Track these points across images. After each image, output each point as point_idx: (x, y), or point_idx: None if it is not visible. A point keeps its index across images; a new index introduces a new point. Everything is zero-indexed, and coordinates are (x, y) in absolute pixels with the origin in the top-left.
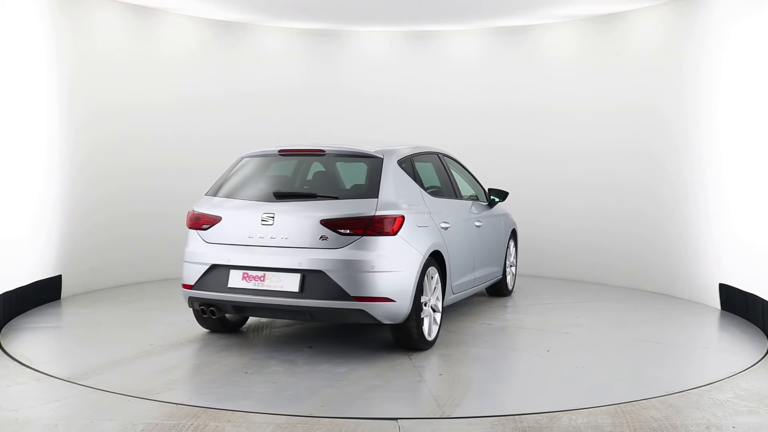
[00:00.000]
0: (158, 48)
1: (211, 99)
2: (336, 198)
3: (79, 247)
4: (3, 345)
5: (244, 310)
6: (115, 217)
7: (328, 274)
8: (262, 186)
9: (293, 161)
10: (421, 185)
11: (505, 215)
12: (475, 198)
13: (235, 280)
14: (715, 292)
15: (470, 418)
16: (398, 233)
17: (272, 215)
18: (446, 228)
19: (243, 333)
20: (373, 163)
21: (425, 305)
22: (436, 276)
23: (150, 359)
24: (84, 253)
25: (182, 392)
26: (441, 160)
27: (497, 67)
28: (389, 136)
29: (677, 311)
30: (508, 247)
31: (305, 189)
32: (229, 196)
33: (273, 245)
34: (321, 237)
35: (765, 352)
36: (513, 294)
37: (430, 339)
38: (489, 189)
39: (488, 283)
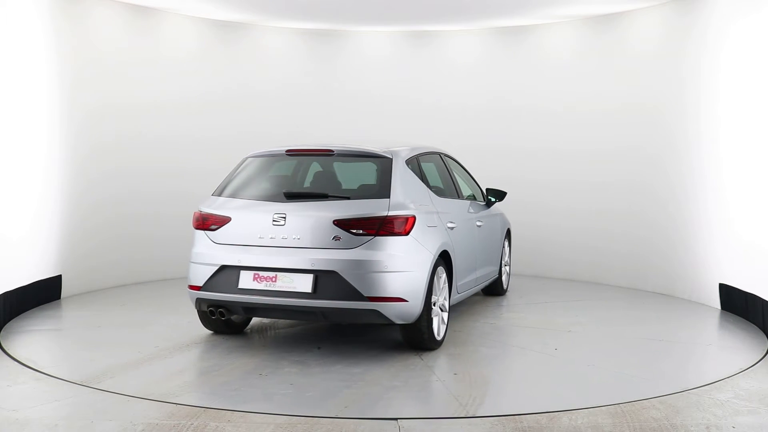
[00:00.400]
0: (158, 48)
1: (211, 99)
2: (348, 198)
3: (79, 247)
4: (3, 345)
5: (254, 311)
6: (115, 217)
7: (341, 274)
8: (272, 186)
9: (299, 161)
10: (428, 185)
11: (501, 215)
12: (473, 198)
13: (246, 280)
14: (715, 292)
15: (491, 417)
16: (410, 233)
17: (284, 215)
18: (452, 228)
19: (247, 334)
20: (383, 163)
21: (434, 305)
22: (444, 276)
23: (159, 362)
24: (84, 253)
25: (199, 395)
26: (443, 160)
27: (497, 67)
28: (389, 136)
29: (677, 311)
30: (503, 247)
31: (317, 189)
32: (238, 196)
33: (285, 245)
34: (334, 237)
35: (765, 352)
36: (507, 293)
37: (439, 338)
38: (487, 189)
39: (487, 283)
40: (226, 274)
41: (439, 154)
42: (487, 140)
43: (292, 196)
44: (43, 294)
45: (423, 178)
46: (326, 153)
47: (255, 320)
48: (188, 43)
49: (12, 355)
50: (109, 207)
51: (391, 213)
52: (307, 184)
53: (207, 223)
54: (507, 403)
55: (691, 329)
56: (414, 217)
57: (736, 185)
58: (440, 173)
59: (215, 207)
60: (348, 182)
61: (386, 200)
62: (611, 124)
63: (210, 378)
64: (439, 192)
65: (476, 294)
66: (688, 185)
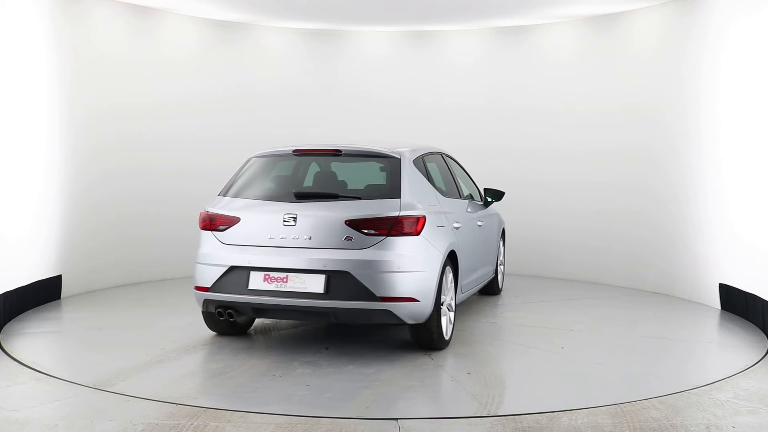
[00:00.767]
0: (158, 48)
1: (211, 99)
2: (359, 198)
3: (79, 247)
4: (3, 345)
5: (264, 312)
6: (114, 217)
7: (354, 274)
8: (280, 186)
9: (299, 161)
10: (433, 185)
11: (497, 214)
12: (470, 197)
13: (256, 281)
14: (715, 292)
15: (491, 417)
16: (421, 233)
17: (294, 216)
18: (458, 228)
19: (251, 336)
20: (392, 163)
21: (442, 304)
22: (450, 275)
23: (168, 364)
24: (84, 253)
25: (217, 397)
26: (444, 160)
27: (497, 67)
28: (390, 136)
29: (677, 311)
30: (499, 246)
31: (322, 189)
32: (246, 196)
33: (296, 246)
34: (346, 237)
35: (765, 352)
36: (502, 293)
37: (447, 338)
38: (485, 189)
39: (485, 282)
40: (236, 274)
41: (441, 154)
42: (487, 140)
43: (302, 196)
44: (43, 294)
45: (429, 178)
46: (334, 153)
47: (258, 321)
48: (188, 43)
49: (12, 355)
50: (109, 207)
51: (403, 213)
52: (307, 184)
53: (215, 223)
54: (527, 402)
55: (691, 329)
56: (425, 217)
57: (736, 185)
58: (442, 173)
59: (223, 207)
60: (351, 182)
61: (397, 200)
62: (611, 124)
63: (224, 380)
64: (443, 192)
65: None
66: (688, 185)
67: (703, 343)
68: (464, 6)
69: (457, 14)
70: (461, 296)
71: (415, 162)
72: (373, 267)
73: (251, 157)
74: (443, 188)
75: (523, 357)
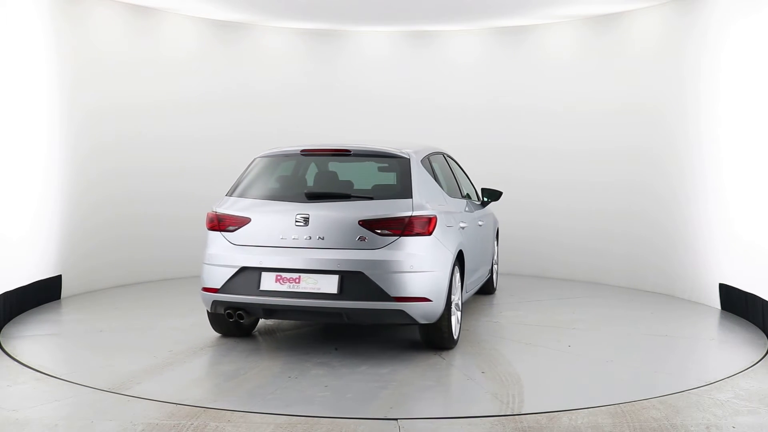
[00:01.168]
0: (158, 48)
1: (211, 99)
2: (371, 198)
3: (79, 247)
4: (3, 345)
5: (274, 313)
6: (114, 217)
7: (367, 275)
8: (290, 186)
9: (310, 161)
10: (440, 185)
11: (492, 214)
12: (468, 197)
13: (268, 282)
14: (715, 292)
15: (490, 417)
16: (433, 233)
17: (306, 216)
18: (464, 228)
19: (256, 337)
20: (401, 163)
21: (452, 304)
22: (458, 275)
23: (179, 366)
24: (84, 253)
25: (240, 400)
26: (446, 160)
27: (497, 67)
28: (390, 135)
29: (677, 311)
30: (494, 246)
31: (331, 189)
32: (255, 196)
33: (308, 246)
34: (359, 238)
35: (765, 352)
36: (497, 292)
37: (455, 338)
38: (482, 189)
39: (483, 281)
40: (247, 275)
41: (442, 153)
42: (486, 140)
43: (313, 197)
44: (43, 294)
45: (435, 177)
46: (343, 153)
47: (261, 322)
48: (188, 43)
49: (12, 355)
50: (109, 207)
51: (416, 213)
52: (309, 184)
53: (223, 224)
54: (548, 400)
55: (690, 329)
56: (436, 218)
57: (736, 185)
58: (444, 173)
59: (232, 208)
60: (356, 183)
61: (409, 200)
62: (611, 124)
63: (241, 382)
64: (447, 192)
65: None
66: (688, 185)
67: (702, 344)
68: (464, 6)
69: (457, 14)
70: (465, 296)
71: (423, 162)
72: (386, 267)
73: (257, 157)
74: (447, 188)
75: (532, 356)
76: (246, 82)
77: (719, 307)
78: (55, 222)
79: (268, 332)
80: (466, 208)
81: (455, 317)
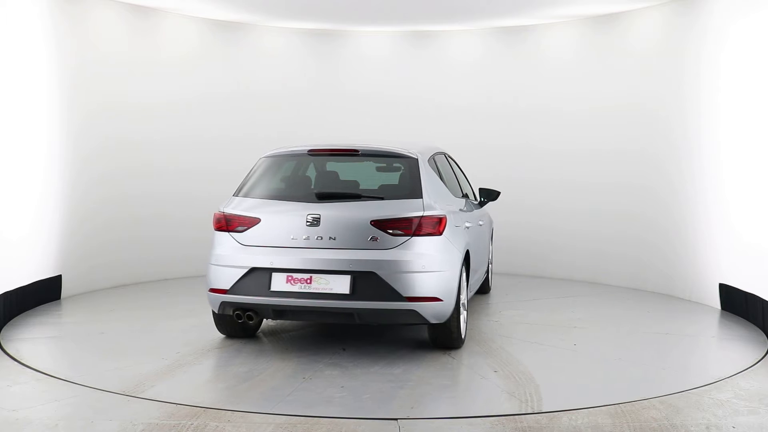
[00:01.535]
0: (158, 48)
1: (211, 99)
2: (382, 198)
3: (79, 247)
4: (3, 345)
5: (285, 314)
6: (115, 217)
7: (380, 275)
8: (299, 186)
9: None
10: (445, 185)
11: (488, 213)
12: (466, 197)
13: (279, 283)
14: (715, 292)
15: (490, 417)
16: (443, 233)
17: (318, 216)
18: (468, 227)
19: (260, 338)
20: (410, 163)
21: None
22: (464, 274)
23: (190, 368)
24: (84, 253)
25: (257, 402)
26: (447, 160)
27: (497, 67)
28: (390, 135)
29: (677, 311)
30: (490, 245)
31: (351, 189)
32: (263, 196)
33: (320, 247)
34: (371, 238)
35: (765, 352)
36: (492, 291)
37: (463, 337)
38: (480, 188)
39: (482, 281)
40: (257, 276)
41: (443, 153)
42: (486, 140)
43: (323, 197)
44: (43, 294)
45: (441, 178)
46: (351, 153)
47: (264, 323)
48: (188, 43)
49: (12, 355)
50: (109, 207)
51: (427, 213)
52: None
53: (232, 224)
54: (566, 398)
55: (691, 329)
56: (446, 217)
57: (736, 185)
58: (447, 173)
59: (241, 208)
60: (361, 183)
61: (420, 200)
62: (611, 124)
63: (256, 383)
64: (451, 192)
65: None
66: (688, 185)
67: (702, 343)
68: (464, 6)
69: (457, 14)
70: (470, 295)
71: (429, 162)
72: (399, 267)
73: (263, 157)
74: (450, 188)
75: (539, 354)
76: (246, 82)
77: (719, 307)
78: (55, 222)
79: (273, 333)
80: (468, 208)
81: (462, 317)
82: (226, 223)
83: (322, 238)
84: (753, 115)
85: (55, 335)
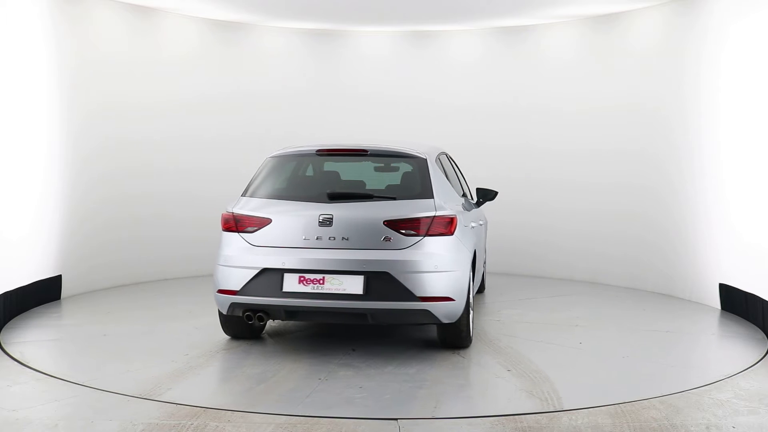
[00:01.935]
0: (158, 48)
1: (211, 99)
2: (394, 198)
3: (79, 247)
4: (3, 345)
5: (297, 314)
6: (115, 217)
7: (393, 275)
8: (310, 186)
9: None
10: (452, 185)
11: (484, 213)
12: (465, 197)
13: (291, 283)
14: (715, 292)
15: (492, 417)
16: (454, 233)
17: (330, 216)
18: (474, 227)
19: (264, 339)
20: (419, 163)
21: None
22: (471, 274)
23: (202, 370)
24: (84, 253)
25: (279, 405)
26: (448, 160)
27: (497, 67)
28: (389, 136)
29: (677, 311)
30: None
31: (364, 190)
32: (273, 197)
33: (332, 247)
34: (384, 238)
35: (765, 352)
36: (486, 290)
37: (471, 336)
38: (477, 188)
39: (480, 281)
40: (268, 277)
41: (445, 153)
42: (486, 140)
43: (335, 197)
44: (43, 294)
45: (447, 178)
46: (360, 153)
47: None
48: (188, 43)
49: (12, 355)
50: (109, 207)
51: (439, 213)
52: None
53: (241, 225)
54: (584, 396)
55: (690, 329)
56: (457, 217)
57: (737, 185)
58: (449, 173)
59: (251, 208)
60: (363, 182)
61: (431, 200)
62: (611, 124)
63: (273, 385)
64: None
65: None
66: (688, 185)
67: (702, 343)
68: (464, 6)
69: (457, 14)
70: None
71: (436, 162)
72: (412, 267)
73: (270, 156)
74: (454, 188)
75: (547, 353)
76: (246, 82)
77: (719, 307)
78: (55, 222)
79: (277, 334)
80: (469, 208)
81: (470, 316)
82: (235, 224)
83: (334, 239)
84: (753, 115)
85: (58, 337)
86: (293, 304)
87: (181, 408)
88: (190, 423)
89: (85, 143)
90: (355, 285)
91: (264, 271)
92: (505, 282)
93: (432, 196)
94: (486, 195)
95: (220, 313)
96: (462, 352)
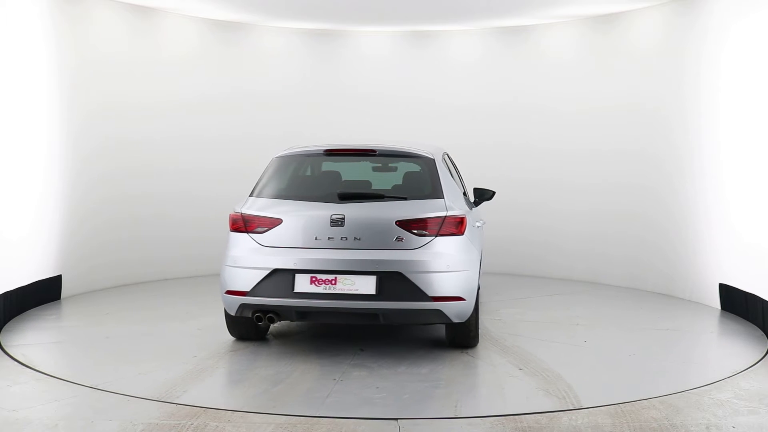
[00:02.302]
0: (158, 48)
1: (211, 99)
2: (405, 198)
3: (79, 247)
4: (3, 345)
5: (308, 315)
6: (115, 217)
7: (406, 275)
8: (320, 186)
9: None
10: (457, 185)
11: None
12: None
13: (303, 284)
14: (715, 292)
15: (490, 417)
16: (464, 233)
17: (342, 216)
18: (479, 227)
19: (269, 340)
20: (428, 163)
21: None
22: (479, 274)
23: (215, 372)
24: (84, 253)
25: (301, 406)
26: (450, 160)
27: (497, 67)
28: (390, 136)
29: (677, 311)
30: None
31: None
32: (282, 197)
33: (345, 247)
34: (396, 238)
35: (765, 352)
36: (480, 290)
37: (478, 335)
38: (474, 188)
39: None
40: (279, 278)
41: (447, 153)
42: (486, 140)
43: (346, 197)
44: (43, 294)
45: (452, 178)
46: (368, 153)
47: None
48: (188, 43)
49: (12, 355)
50: (109, 207)
51: (450, 213)
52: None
53: (251, 225)
54: (601, 393)
55: (690, 329)
56: (466, 217)
57: (737, 185)
58: (452, 173)
59: (260, 209)
60: (369, 182)
61: (441, 200)
62: (611, 124)
63: (289, 386)
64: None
65: None
66: (688, 185)
67: (702, 343)
68: (464, 6)
69: (457, 14)
70: None
71: (442, 161)
72: (425, 267)
73: (277, 156)
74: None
75: (554, 351)
76: (246, 83)
77: (719, 307)
78: (55, 222)
79: (281, 335)
80: (471, 208)
81: (478, 315)
82: (245, 224)
83: (346, 239)
84: (753, 115)
85: (60, 340)
86: (305, 304)
87: (181, 408)
88: (190, 423)
89: (85, 143)
90: (367, 285)
91: (275, 272)
92: (500, 281)
93: (442, 196)
94: (483, 195)
95: (227, 314)
96: (470, 351)
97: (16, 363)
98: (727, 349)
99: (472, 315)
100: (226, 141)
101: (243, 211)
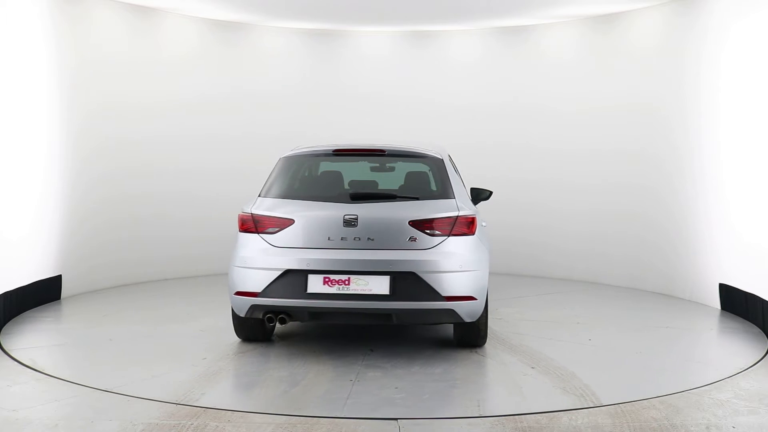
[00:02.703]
0: (158, 48)
1: (211, 99)
2: (417, 198)
3: (79, 247)
4: (3, 345)
5: (321, 316)
6: (115, 217)
7: (420, 275)
8: (330, 186)
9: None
10: (463, 185)
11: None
12: None
13: (316, 285)
14: (715, 292)
15: (492, 417)
16: (475, 233)
17: (355, 216)
18: (485, 226)
19: (274, 341)
20: (436, 164)
21: None
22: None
23: (229, 374)
24: (84, 253)
25: (325, 408)
26: (451, 160)
27: (497, 67)
28: (390, 136)
29: (677, 311)
30: None
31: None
32: (293, 197)
33: (358, 248)
34: (410, 238)
35: (765, 352)
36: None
37: (486, 335)
38: (471, 188)
39: None
40: (291, 278)
41: (448, 153)
42: (486, 140)
43: (358, 197)
44: (43, 294)
45: (459, 178)
46: (377, 153)
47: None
48: (188, 43)
49: (12, 355)
50: (109, 207)
51: (461, 213)
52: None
53: (261, 225)
54: (619, 390)
55: (690, 329)
56: (476, 217)
57: (737, 185)
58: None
59: (271, 209)
60: (376, 182)
61: (452, 200)
62: (611, 124)
63: (306, 388)
64: None
65: None
66: (688, 185)
67: (702, 343)
68: (464, 6)
69: (457, 14)
70: None
71: (449, 161)
72: (438, 267)
73: (284, 156)
74: None
75: (562, 349)
76: (246, 83)
77: (719, 307)
78: (55, 222)
79: (286, 336)
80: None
81: (487, 315)
82: (255, 225)
83: (359, 239)
84: (753, 115)
85: (62, 341)
86: (318, 305)
87: (181, 408)
88: (190, 423)
89: (85, 143)
90: (381, 285)
91: (287, 273)
92: (500, 281)
93: (453, 196)
94: (480, 195)
95: (235, 316)
96: (479, 350)
97: (16, 363)
98: (727, 349)
99: (482, 314)
100: (226, 141)
101: (253, 212)
